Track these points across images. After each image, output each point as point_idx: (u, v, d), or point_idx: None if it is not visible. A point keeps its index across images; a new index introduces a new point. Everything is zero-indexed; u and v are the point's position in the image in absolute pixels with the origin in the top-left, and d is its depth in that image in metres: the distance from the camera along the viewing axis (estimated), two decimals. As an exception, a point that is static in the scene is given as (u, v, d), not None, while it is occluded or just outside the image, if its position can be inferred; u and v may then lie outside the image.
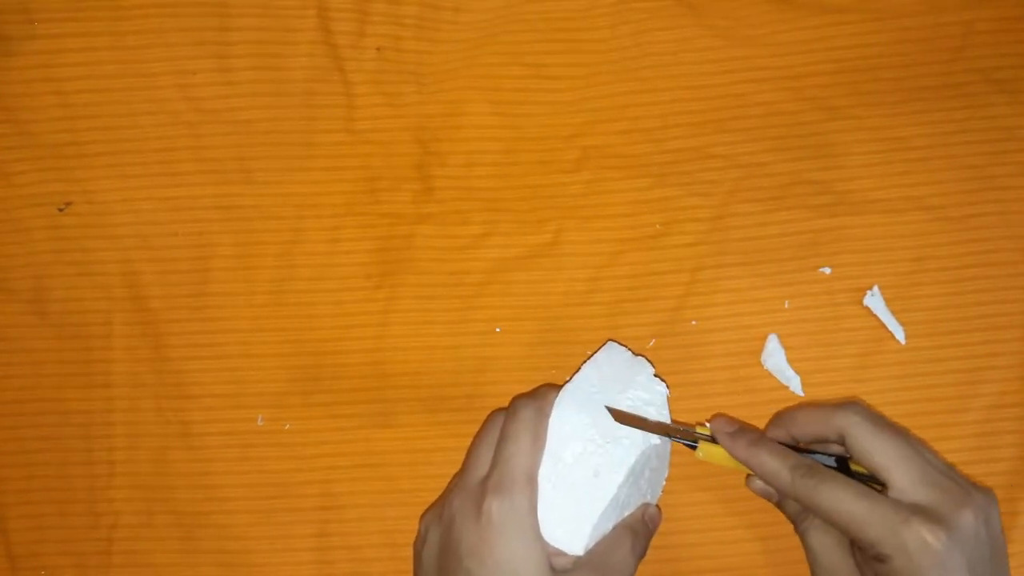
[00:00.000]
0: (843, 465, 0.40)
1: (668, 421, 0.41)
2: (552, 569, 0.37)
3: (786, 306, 0.47)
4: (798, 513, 0.40)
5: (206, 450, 0.48)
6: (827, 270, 0.47)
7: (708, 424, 0.42)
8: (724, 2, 0.49)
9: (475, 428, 0.46)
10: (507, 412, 0.41)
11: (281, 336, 0.48)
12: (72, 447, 0.48)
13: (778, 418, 0.43)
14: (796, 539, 0.41)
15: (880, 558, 0.35)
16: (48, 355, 0.48)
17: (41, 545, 0.48)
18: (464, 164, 0.49)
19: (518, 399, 0.41)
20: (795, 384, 0.46)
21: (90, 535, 0.47)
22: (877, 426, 0.38)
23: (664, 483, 0.44)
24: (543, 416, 0.40)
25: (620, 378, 0.42)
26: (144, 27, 0.49)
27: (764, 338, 0.47)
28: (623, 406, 0.41)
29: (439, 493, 0.46)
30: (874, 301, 0.47)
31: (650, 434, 0.40)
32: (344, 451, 0.47)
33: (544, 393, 0.41)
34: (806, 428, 0.41)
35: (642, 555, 0.40)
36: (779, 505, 0.41)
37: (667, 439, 0.42)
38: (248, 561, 0.47)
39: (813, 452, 0.41)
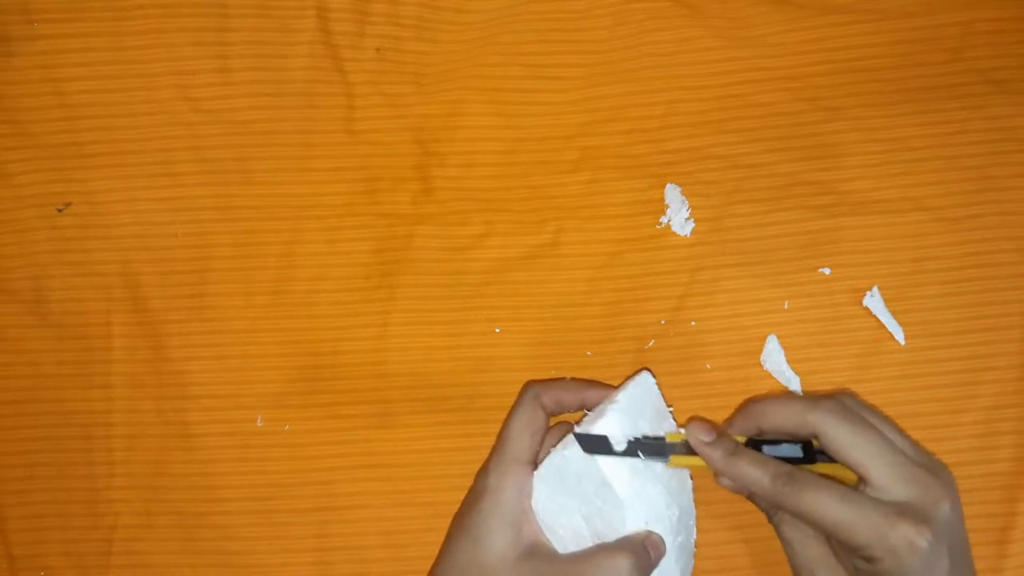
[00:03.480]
0: (808, 449, 0.40)
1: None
2: (528, 552, 0.39)
3: (786, 307, 0.47)
4: (770, 507, 0.41)
5: (206, 451, 0.48)
6: (827, 271, 0.47)
7: (682, 430, 0.41)
8: (724, 2, 0.49)
9: (475, 428, 0.47)
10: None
11: (281, 336, 0.48)
12: (72, 447, 0.48)
13: (747, 410, 0.42)
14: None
15: (869, 559, 0.36)
16: (48, 355, 0.48)
17: (41, 545, 0.48)
18: (464, 164, 0.49)
19: (525, 386, 0.43)
20: (795, 384, 0.46)
21: (90, 535, 0.47)
22: (851, 423, 0.38)
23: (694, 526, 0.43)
24: (538, 408, 0.42)
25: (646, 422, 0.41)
26: (144, 27, 0.49)
27: (763, 339, 0.47)
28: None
29: (439, 493, 0.46)
30: (873, 302, 0.47)
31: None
32: (344, 451, 0.47)
33: (548, 386, 0.42)
34: (778, 423, 0.40)
35: None
36: (751, 498, 0.41)
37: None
38: (248, 561, 0.47)
39: (778, 442, 0.41)
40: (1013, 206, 0.47)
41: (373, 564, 0.47)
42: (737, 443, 0.40)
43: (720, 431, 0.40)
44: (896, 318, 0.47)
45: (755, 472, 0.38)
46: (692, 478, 0.42)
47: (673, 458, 0.40)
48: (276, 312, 0.48)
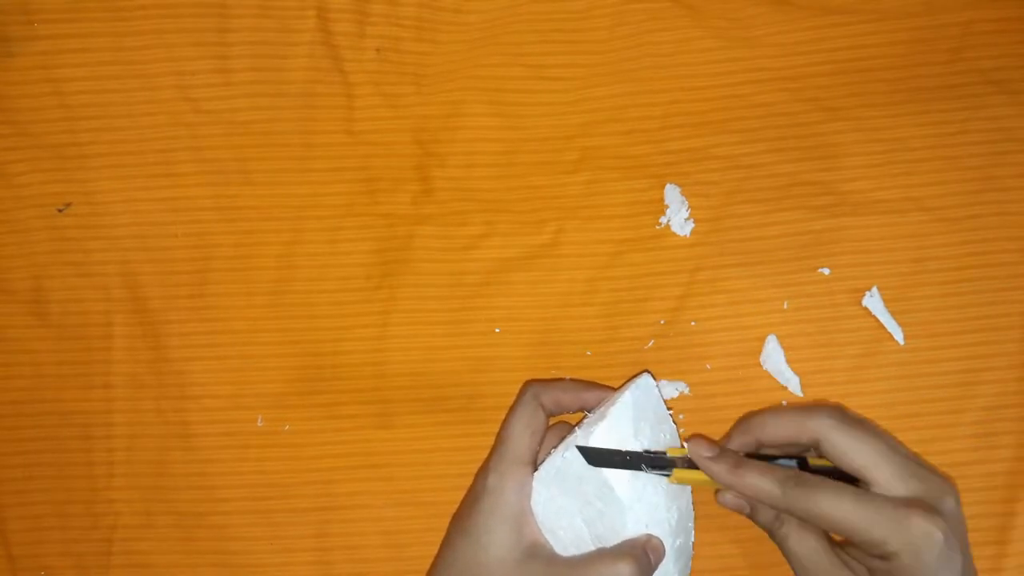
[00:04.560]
0: (803, 464, 0.40)
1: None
2: (529, 553, 0.39)
3: (785, 307, 0.47)
4: (772, 521, 0.40)
5: (206, 451, 0.48)
6: (826, 271, 0.47)
7: (685, 444, 0.40)
8: (724, 3, 0.49)
9: (475, 428, 0.47)
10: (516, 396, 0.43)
11: (281, 336, 0.48)
12: (72, 447, 0.48)
13: (745, 424, 0.42)
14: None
15: (886, 556, 0.36)
16: (48, 355, 0.48)
17: (41, 545, 0.48)
18: (464, 165, 0.49)
19: (525, 386, 0.43)
20: (794, 385, 0.46)
21: (90, 535, 0.47)
22: (851, 427, 0.38)
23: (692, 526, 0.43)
24: (538, 408, 0.42)
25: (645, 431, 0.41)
26: (144, 28, 0.49)
27: (763, 339, 0.47)
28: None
29: (439, 493, 0.46)
30: (873, 302, 0.47)
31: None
32: (344, 451, 0.47)
33: (547, 386, 0.42)
34: (777, 434, 0.40)
35: None
36: (751, 516, 0.40)
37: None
38: (248, 561, 0.47)
39: (773, 457, 0.40)
40: (1014, 206, 0.47)
41: (373, 564, 0.47)
42: (739, 455, 0.39)
43: (720, 447, 0.40)
44: (896, 318, 0.47)
45: (763, 480, 0.38)
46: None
47: (676, 472, 0.39)
48: (276, 312, 0.48)
